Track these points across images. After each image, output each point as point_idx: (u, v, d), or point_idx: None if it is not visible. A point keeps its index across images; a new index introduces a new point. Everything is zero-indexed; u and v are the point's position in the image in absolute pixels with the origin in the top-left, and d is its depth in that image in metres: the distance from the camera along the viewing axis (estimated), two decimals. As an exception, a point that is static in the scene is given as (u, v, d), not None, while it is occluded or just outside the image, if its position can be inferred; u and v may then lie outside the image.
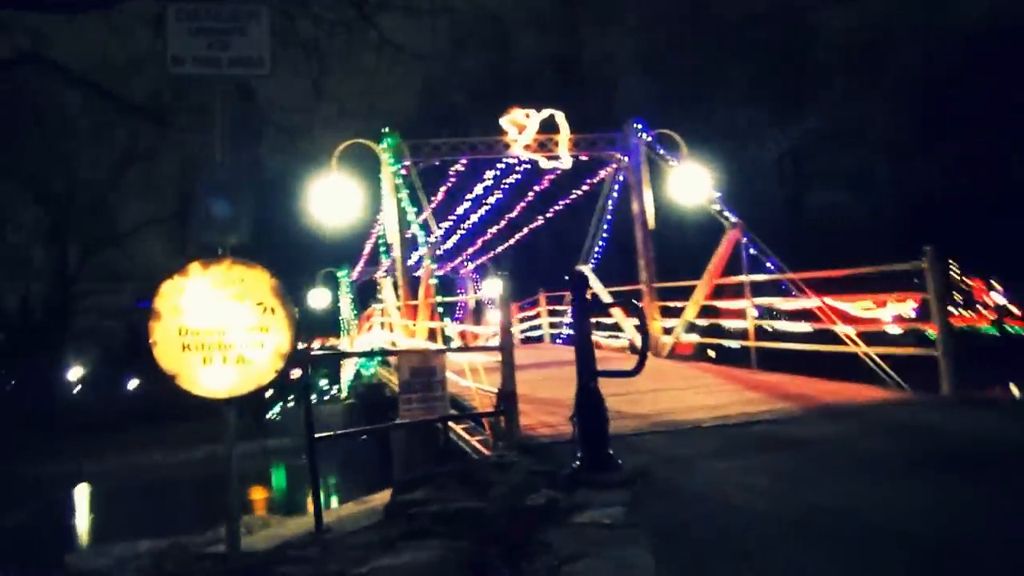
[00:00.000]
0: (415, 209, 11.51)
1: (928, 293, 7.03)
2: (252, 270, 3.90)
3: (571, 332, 17.23)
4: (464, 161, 12.64)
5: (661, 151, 12.45)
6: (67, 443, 25.67)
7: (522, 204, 15.80)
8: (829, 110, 35.33)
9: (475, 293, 26.16)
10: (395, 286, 13.45)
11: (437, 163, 12.49)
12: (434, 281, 10.89)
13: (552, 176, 13.68)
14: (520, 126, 12.58)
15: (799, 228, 35.29)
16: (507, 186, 14.19)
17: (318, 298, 25.73)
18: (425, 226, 11.73)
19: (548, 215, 16.45)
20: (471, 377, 7.70)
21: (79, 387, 42.95)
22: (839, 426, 6.02)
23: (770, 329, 10.43)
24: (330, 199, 11.61)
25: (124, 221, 42.25)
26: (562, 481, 4.61)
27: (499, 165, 13.18)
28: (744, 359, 10.13)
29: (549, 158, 12.76)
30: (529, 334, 20.06)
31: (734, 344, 10.59)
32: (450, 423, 8.61)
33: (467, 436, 7.46)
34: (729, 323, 10.82)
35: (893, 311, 7.87)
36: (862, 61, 34.68)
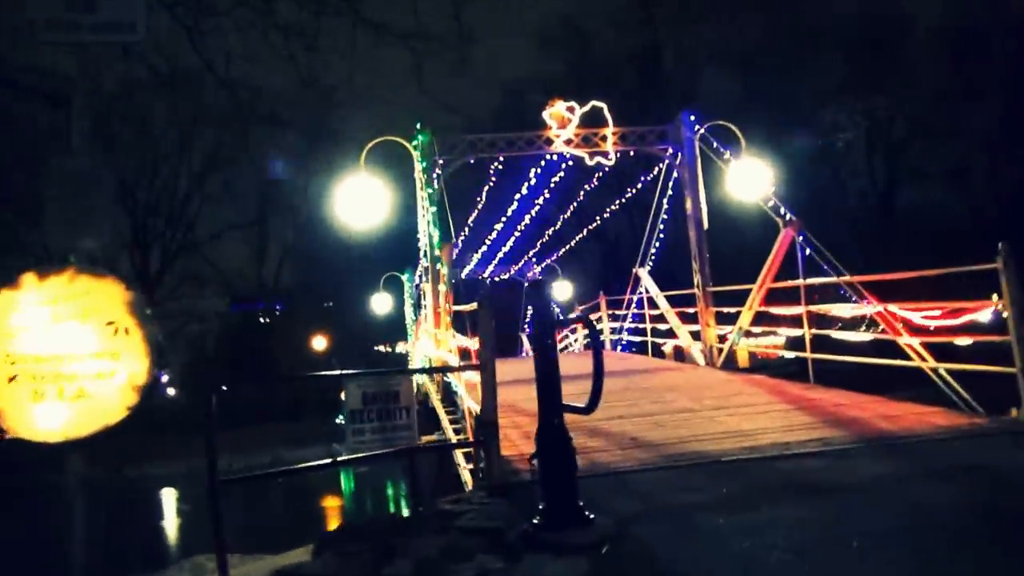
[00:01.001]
0: (432, 209, 10.79)
1: (1004, 298, 5.88)
2: (101, 281, 3.15)
3: (631, 339, 16.28)
4: (501, 159, 11.89)
5: (715, 144, 11.40)
6: (175, 445, 25.32)
7: (575, 202, 14.92)
8: (924, 104, 32.94)
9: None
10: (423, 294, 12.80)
11: (472, 161, 11.77)
12: (443, 288, 10.16)
13: (600, 173, 12.78)
14: (562, 120, 11.75)
15: (890, 227, 33.10)
16: (555, 185, 13.36)
17: (380, 303, 25.39)
18: (440, 225, 10.91)
19: (603, 215, 15.52)
20: (467, 396, 6.93)
21: (171, 390, 44.12)
22: (892, 466, 4.93)
23: (831, 338, 9.30)
24: (357, 200, 11.04)
25: (204, 227, 43.28)
26: (511, 542, 3.76)
27: (542, 162, 12.37)
28: (801, 372, 9.03)
29: (593, 154, 11.87)
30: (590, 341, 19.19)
31: (789, 355, 9.49)
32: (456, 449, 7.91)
33: (463, 464, 6.71)
34: (785, 331, 9.71)
35: (969, 318, 6.67)
36: (959, 52, 32.20)
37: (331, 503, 23.56)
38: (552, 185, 13.33)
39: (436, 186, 11.46)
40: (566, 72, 39.00)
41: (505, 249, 18.86)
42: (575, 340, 19.95)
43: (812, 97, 35.32)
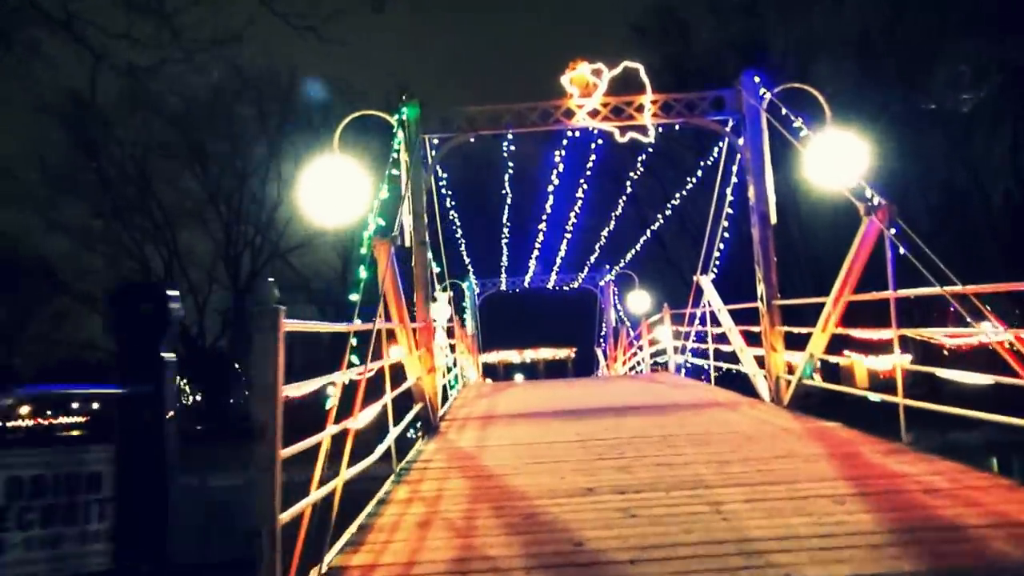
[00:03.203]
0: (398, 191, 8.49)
1: None
2: None
3: (695, 360, 13.53)
4: (510, 136, 9.54)
5: (786, 113, 8.65)
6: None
7: (625, 194, 12.38)
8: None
9: (615, 310, 22.72)
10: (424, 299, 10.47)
11: (472, 140, 9.48)
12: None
13: (644, 156, 10.22)
14: (587, 86, 9.30)
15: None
16: (589, 172, 10.88)
17: (439, 312, 23.34)
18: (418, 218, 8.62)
19: (665, 211, 12.91)
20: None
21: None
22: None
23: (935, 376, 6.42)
24: (327, 188, 8.92)
25: (293, 234, 42.77)
26: None
27: (564, 141, 9.94)
28: (889, 422, 6.26)
29: (625, 129, 9.35)
30: (659, 359, 16.49)
31: (875, 397, 6.68)
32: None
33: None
34: (868, 362, 6.90)
35: None
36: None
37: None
38: (587, 171, 10.83)
39: (426, 172, 9.26)
40: (661, 64, 36.07)
41: (561, 253, 16.41)
42: (641, 360, 17.26)
43: (942, 85, 31.11)
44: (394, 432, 6.05)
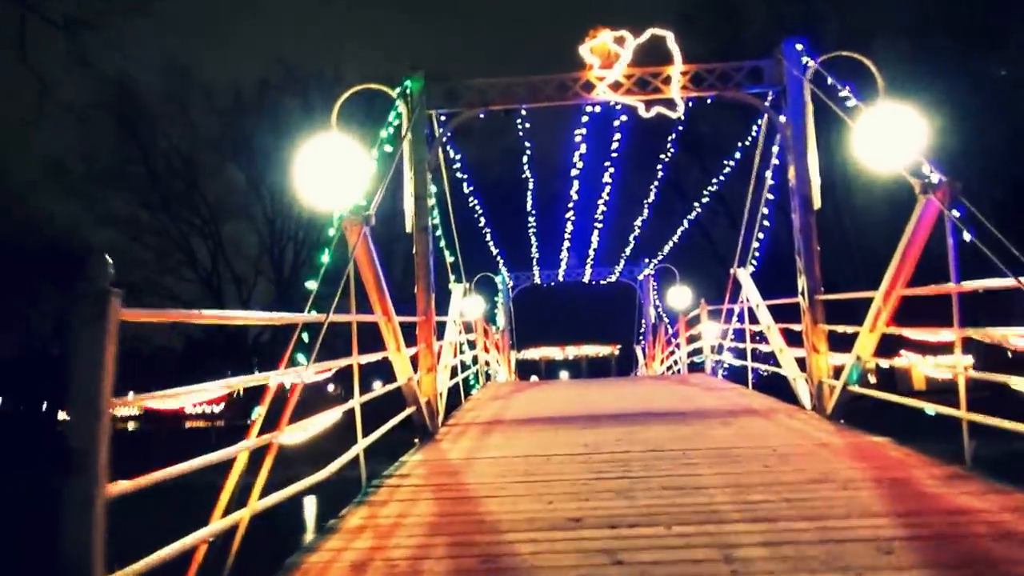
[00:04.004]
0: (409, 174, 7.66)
1: None
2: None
3: (733, 360, 12.50)
4: (524, 112, 8.67)
5: (829, 84, 7.63)
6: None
7: (658, 179, 11.45)
8: None
9: (654, 307, 21.62)
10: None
11: (481, 115, 8.62)
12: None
13: (673, 135, 9.26)
14: (608, 55, 8.38)
15: None
16: (616, 153, 9.96)
17: (472, 306, 22.53)
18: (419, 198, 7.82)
19: (702, 198, 11.95)
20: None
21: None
22: None
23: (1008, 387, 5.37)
24: (323, 169, 8.15)
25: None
26: None
27: (584, 118, 9.02)
28: (948, 432, 5.27)
29: (650, 103, 8.41)
30: (695, 359, 15.47)
31: (930, 409, 5.65)
32: None
33: None
34: (925, 367, 5.88)
35: None
36: None
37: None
38: (612, 153, 9.90)
39: (433, 152, 8.46)
40: (708, 54, 34.70)
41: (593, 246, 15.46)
42: (678, 360, 16.22)
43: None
44: (362, 443, 5.25)
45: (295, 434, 4.03)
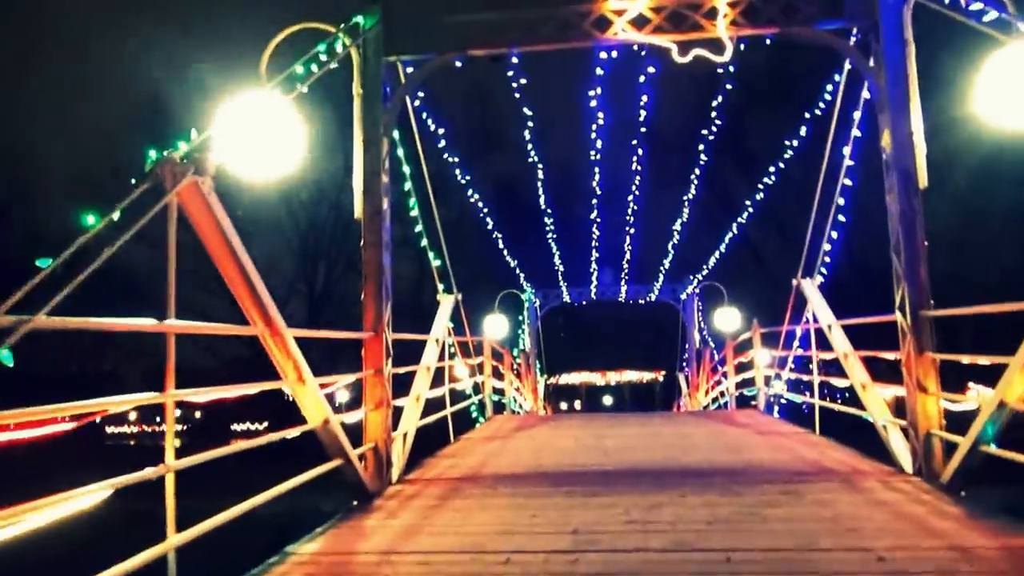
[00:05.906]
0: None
1: None
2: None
3: (791, 395, 10.05)
4: (515, 59, 6.49)
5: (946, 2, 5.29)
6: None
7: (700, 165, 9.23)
8: None
9: (698, 330, 19.11)
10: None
11: (458, 63, 6.44)
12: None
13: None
14: (630, -16, 6.15)
15: None
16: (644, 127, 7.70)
17: (495, 326, 20.32)
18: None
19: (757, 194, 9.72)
20: None
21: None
22: None
23: None
24: (250, 132, 6.04)
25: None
26: None
27: (599, 70, 6.80)
28: None
29: (685, 45, 6.15)
30: (745, 391, 13.02)
31: None
32: None
33: None
34: None
35: None
36: None
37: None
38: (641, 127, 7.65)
39: (386, 111, 6.34)
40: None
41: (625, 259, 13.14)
42: (725, 391, 13.76)
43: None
44: (173, 540, 3.06)
45: None
